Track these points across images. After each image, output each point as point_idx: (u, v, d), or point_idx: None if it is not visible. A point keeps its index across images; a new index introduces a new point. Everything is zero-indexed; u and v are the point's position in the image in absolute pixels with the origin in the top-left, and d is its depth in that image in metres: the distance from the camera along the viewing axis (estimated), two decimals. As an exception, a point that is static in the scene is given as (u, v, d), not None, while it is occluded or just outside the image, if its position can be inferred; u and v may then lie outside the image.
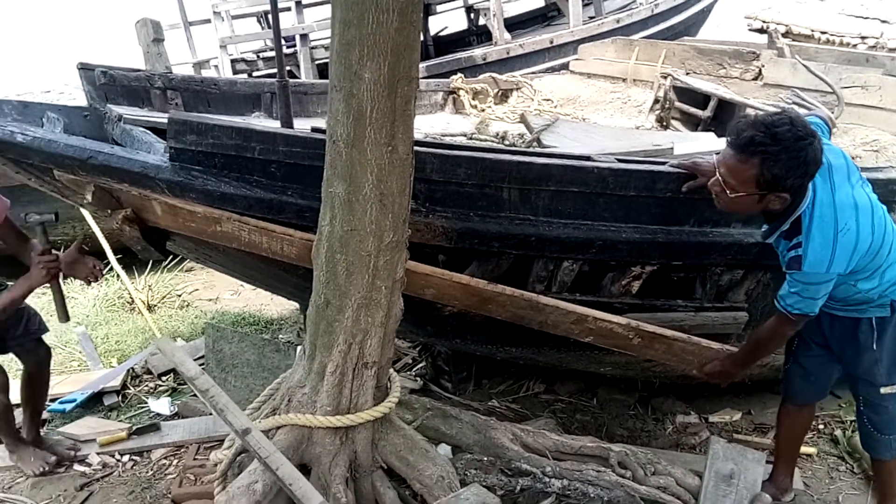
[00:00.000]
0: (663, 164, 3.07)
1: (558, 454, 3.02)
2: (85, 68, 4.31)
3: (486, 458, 2.89)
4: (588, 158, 3.22)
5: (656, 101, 6.22)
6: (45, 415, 4.06)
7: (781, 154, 2.32)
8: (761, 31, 7.41)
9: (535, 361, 3.89)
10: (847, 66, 5.87)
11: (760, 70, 6.09)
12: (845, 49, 6.65)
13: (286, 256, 2.85)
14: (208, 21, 9.35)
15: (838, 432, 3.72)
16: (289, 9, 8.81)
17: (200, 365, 3.62)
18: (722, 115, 6.11)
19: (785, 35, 7.04)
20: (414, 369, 4.38)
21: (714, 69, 6.30)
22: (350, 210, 2.33)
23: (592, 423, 3.91)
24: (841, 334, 2.85)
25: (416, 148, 2.66)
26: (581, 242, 2.97)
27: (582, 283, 3.16)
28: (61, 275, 3.31)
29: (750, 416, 3.92)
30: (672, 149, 4.73)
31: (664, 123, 6.24)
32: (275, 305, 5.42)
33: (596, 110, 6.36)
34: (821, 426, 3.80)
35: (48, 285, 3.33)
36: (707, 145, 4.92)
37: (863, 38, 6.86)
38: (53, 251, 3.26)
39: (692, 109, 6.25)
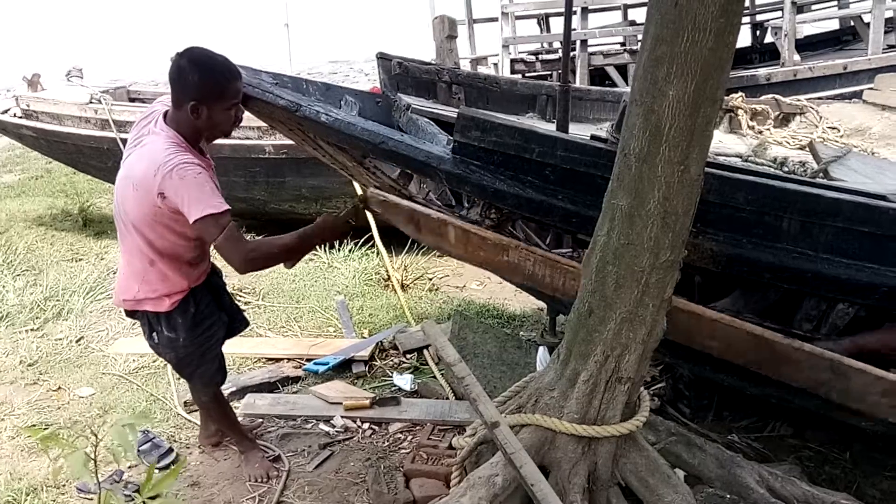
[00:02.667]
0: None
1: (807, 506, 2.83)
2: (383, 58, 4.65)
3: (728, 496, 2.77)
4: (883, 198, 2.99)
5: (961, 142, 5.60)
6: (300, 373, 4.48)
7: None
8: None
9: (789, 403, 3.66)
10: None
11: None
12: None
13: (566, 293, 2.89)
14: (494, 20, 9.72)
15: None
16: (575, 12, 8.91)
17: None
18: None
19: None
20: (652, 388, 4.28)
21: None
22: (630, 224, 2.34)
23: (842, 477, 3.59)
24: None
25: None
26: (862, 286, 2.76)
27: (855, 330, 2.93)
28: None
29: None
30: (976, 197, 4.24)
31: None
32: (517, 301, 5.53)
33: (887, 145, 5.82)
34: None
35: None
36: None
37: None
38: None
39: None
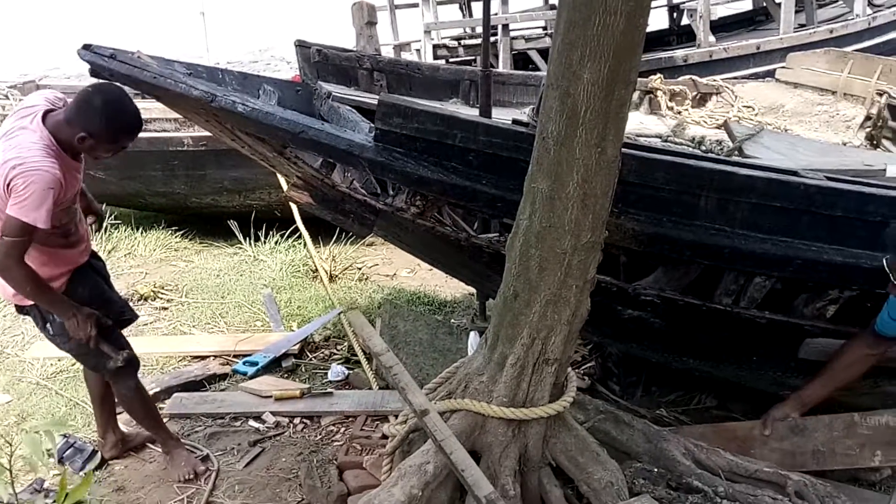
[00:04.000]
0: (874, 185, 2.91)
1: (732, 475, 2.92)
2: (302, 45, 4.57)
3: (656, 470, 2.83)
4: (795, 173, 3.09)
5: (868, 117, 5.86)
6: (227, 369, 4.37)
7: None
8: None
9: (711, 375, 3.77)
10: None
11: None
12: None
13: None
14: (415, 5, 9.66)
15: None
16: (496, -2, 8.93)
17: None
18: (940, 140, 5.72)
19: None
20: (582, 367, 4.35)
21: None
22: (551, 207, 2.35)
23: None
24: None
25: (618, 149, 2.64)
26: (778, 259, 2.86)
27: (772, 302, 3.04)
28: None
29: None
30: (884, 170, 4.43)
31: (875, 142, 5.88)
32: (449, 288, 5.54)
33: (799, 122, 6.04)
34: None
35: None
36: (922, 170, 4.59)
37: None
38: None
39: (907, 130, 5.85)
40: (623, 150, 2.70)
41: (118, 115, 2.94)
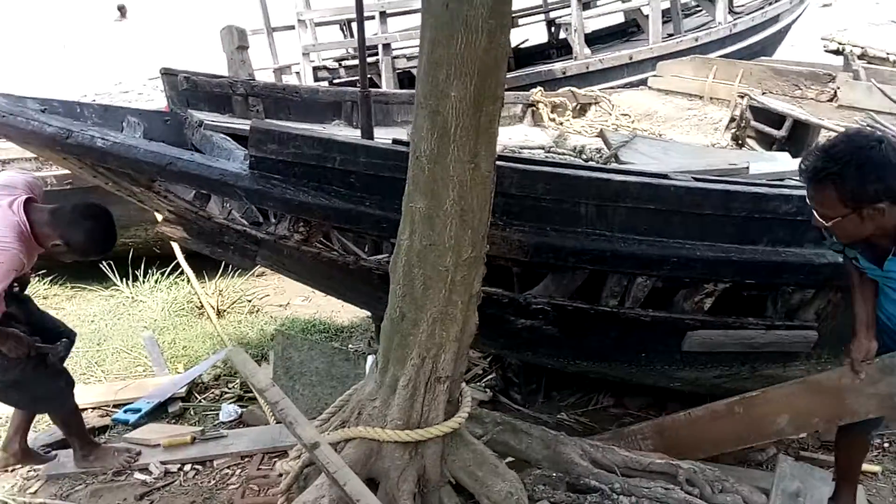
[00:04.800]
0: (739, 183, 3.05)
1: (627, 470, 2.99)
2: (168, 73, 4.42)
3: (554, 474, 2.87)
4: (665, 176, 3.21)
5: (732, 119, 6.24)
6: (107, 421, 4.13)
7: (846, 169, 2.36)
8: (837, 52, 7.34)
9: (605, 375, 3.87)
10: (923, 90, 5.84)
11: (836, 92, 6.12)
12: (921, 73, 6.55)
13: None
14: (292, 28, 9.51)
15: (904, 451, 3.65)
16: (372, 17, 8.89)
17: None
18: (796, 136, 6.16)
19: (861, 57, 7.01)
20: (484, 380, 4.37)
21: (790, 90, 6.36)
22: (430, 225, 2.35)
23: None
24: None
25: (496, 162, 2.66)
26: (655, 259, 2.98)
27: (655, 299, 3.16)
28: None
29: (816, 433, 3.81)
30: (748, 168, 4.69)
31: (740, 142, 6.29)
32: (346, 313, 5.44)
33: (672, 126, 6.36)
34: (886, 444, 3.76)
35: None
36: (782, 165, 4.91)
37: (938, 60, 6.72)
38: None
39: (767, 129, 6.28)
40: (504, 163, 2.76)
41: (101, 240, 3.28)
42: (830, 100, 6.11)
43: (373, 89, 7.92)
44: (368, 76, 9.17)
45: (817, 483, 3.05)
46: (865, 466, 3.39)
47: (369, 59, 9.04)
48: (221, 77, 4.79)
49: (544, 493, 2.80)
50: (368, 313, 5.00)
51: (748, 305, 3.25)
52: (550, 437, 3.02)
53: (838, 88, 6.07)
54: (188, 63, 4.70)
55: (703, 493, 2.90)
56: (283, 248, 3.17)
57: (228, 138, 3.83)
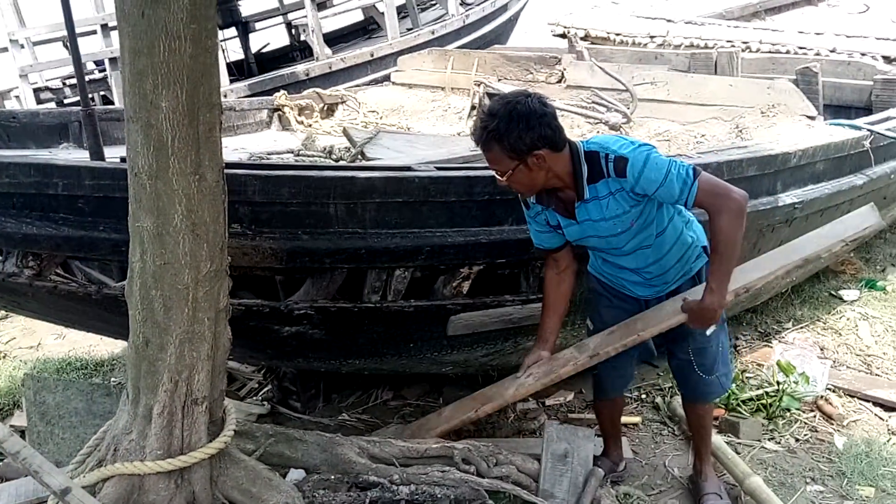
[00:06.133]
0: (480, 168, 3.19)
1: (405, 460, 3.05)
2: None
3: (333, 477, 2.87)
4: (409, 169, 3.28)
5: (473, 107, 6.45)
6: None
7: (501, 123, 2.56)
8: (563, 35, 7.76)
9: (379, 370, 3.91)
10: (638, 65, 6.38)
11: (563, 73, 6.43)
12: (637, 49, 7.14)
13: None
14: (5, 50, 8.67)
15: (659, 399, 4.01)
16: (95, 31, 8.32)
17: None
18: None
19: (584, 39, 7.45)
20: (260, 394, 4.26)
21: (522, 74, 6.62)
22: (161, 243, 2.25)
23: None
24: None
25: (235, 171, 2.60)
26: (410, 250, 3.04)
27: (416, 290, 3.22)
28: None
29: (581, 394, 4.10)
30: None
31: None
32: (105, 345, 5.07)
33: (420, 119, 6.49)
34: (643, 396, 4.08)
35: None
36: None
37: (651, 37, 7.31)
38: None
39: (506, 114, 6.49)
40: (245, 171, 2.70)
41: None
42: (559, 81, 6.37)
43: (105, 106, 7.46)
44: (102, 92, 8.68)
45: (582, 441, 3.21)
46: (626, 419, 3.67)
47: (99, 75, 8.52)
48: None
49: (325, 496, 2.78)
50: (126, 343, 4.71)
51: (505, 284, 3.37)
52: (326, 441, 3.02)
53: (564, 70, 6.37)
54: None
55: (479, 469, 3.02)
56: (13, 286, 2.92)
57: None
